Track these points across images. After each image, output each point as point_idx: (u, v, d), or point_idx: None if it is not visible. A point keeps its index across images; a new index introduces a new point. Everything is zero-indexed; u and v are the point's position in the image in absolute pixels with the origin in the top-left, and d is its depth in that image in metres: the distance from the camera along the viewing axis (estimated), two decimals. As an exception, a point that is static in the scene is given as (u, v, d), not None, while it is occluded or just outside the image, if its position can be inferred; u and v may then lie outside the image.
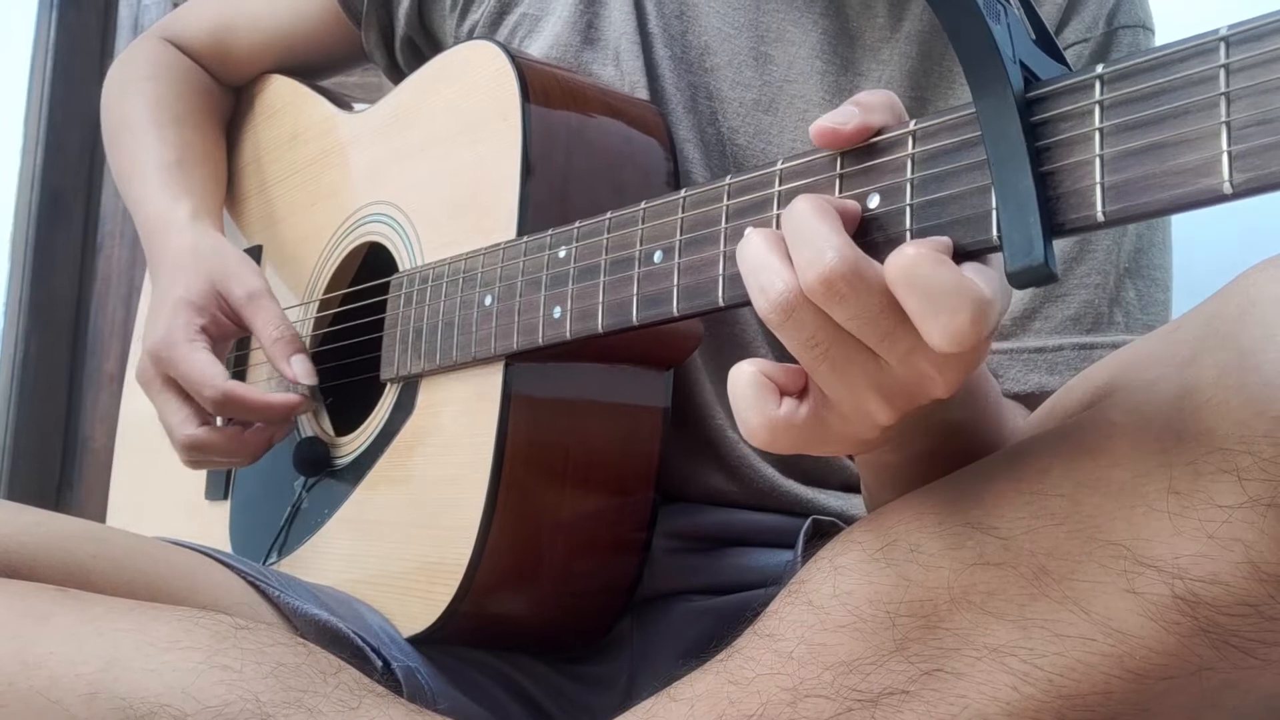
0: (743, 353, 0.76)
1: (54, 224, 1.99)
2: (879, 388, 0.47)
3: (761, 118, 0.82)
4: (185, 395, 0.85)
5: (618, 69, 0.83)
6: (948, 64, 0.81)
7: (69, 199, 2.01)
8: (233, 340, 0.91)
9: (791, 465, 0.81)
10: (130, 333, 1.98)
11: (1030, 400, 0.74)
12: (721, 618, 0.76)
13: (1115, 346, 0.75)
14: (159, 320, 0.87)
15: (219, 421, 0.86)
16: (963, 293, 0.43)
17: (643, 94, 0.82)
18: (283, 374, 0.84)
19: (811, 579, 0.53)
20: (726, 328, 0.80)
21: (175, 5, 1.99)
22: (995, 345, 0.76)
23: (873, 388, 0.47)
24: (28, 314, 1.95)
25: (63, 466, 1.99)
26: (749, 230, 0.49)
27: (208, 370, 0.83)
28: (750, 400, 0.49)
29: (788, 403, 0.49)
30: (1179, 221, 0.83)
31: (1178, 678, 0.44)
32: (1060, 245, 0.77)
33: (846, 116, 0.49)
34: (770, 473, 0.80)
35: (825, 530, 0.72)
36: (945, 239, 0.46)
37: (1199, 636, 0.43)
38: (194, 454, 0.85)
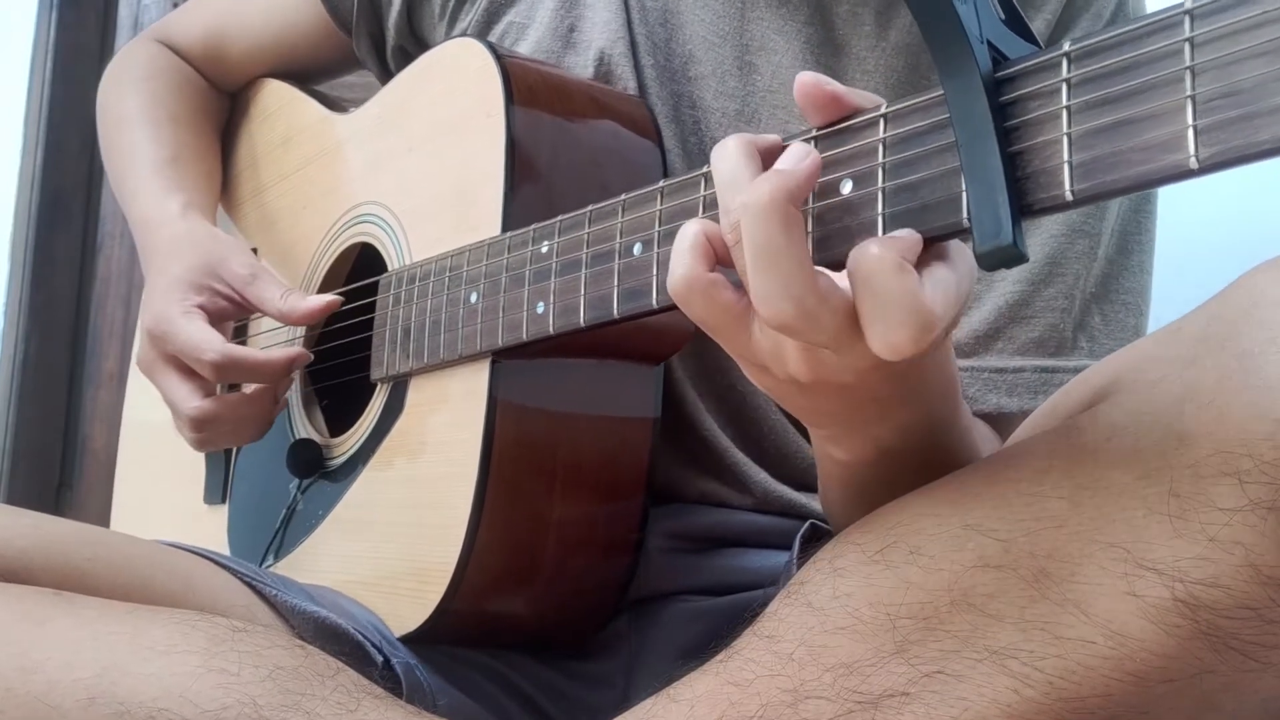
0: (724, 360, 0.76)
1: (54, 225, 1.99)
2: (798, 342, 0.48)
3: (744, 128, 0.81)
4: (186, 371, 0.84)
5: (605, 75, 0.82)
6: (935, 75, 0.80)
7: (69, 199, 2.01)
8: (231, 323, 0.90)
9: (784, 471, 0.81)
10: (130, 333, 1.98)
11: (987, 420, 0.74)
12: (719, 618, 0.75)
13: (1077, 371, 0.74)
14: (154, 301, 0.86)
15: (221, 393, 0.85)
16: (912, 308, 0.44)
17: None
18: (309, 313, 0.83)
19: (811, 580, 0.53)
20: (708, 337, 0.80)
21: (175, 5, 1.99)
22: (957, 362, 0.76)
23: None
24: (28, 315, 1.95)
25: (62, 467, 1.99)
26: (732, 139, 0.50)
27: (206, 336, 0.83)
28: (684, 254, 0.50)
29: (723, 280, 0.50)
30: (1165, 239, 0.83)
31: (1178, 680, 0.44)
32: (1030, 268, 0.76)
33: (831, 81, 0.50)
34: (763, 478, 0.80)
35: (823, 534, 0.72)
36: (916, 236, 0.46)
37: (1199, 639, 0.43)
38: (202, 430, 0.84)
